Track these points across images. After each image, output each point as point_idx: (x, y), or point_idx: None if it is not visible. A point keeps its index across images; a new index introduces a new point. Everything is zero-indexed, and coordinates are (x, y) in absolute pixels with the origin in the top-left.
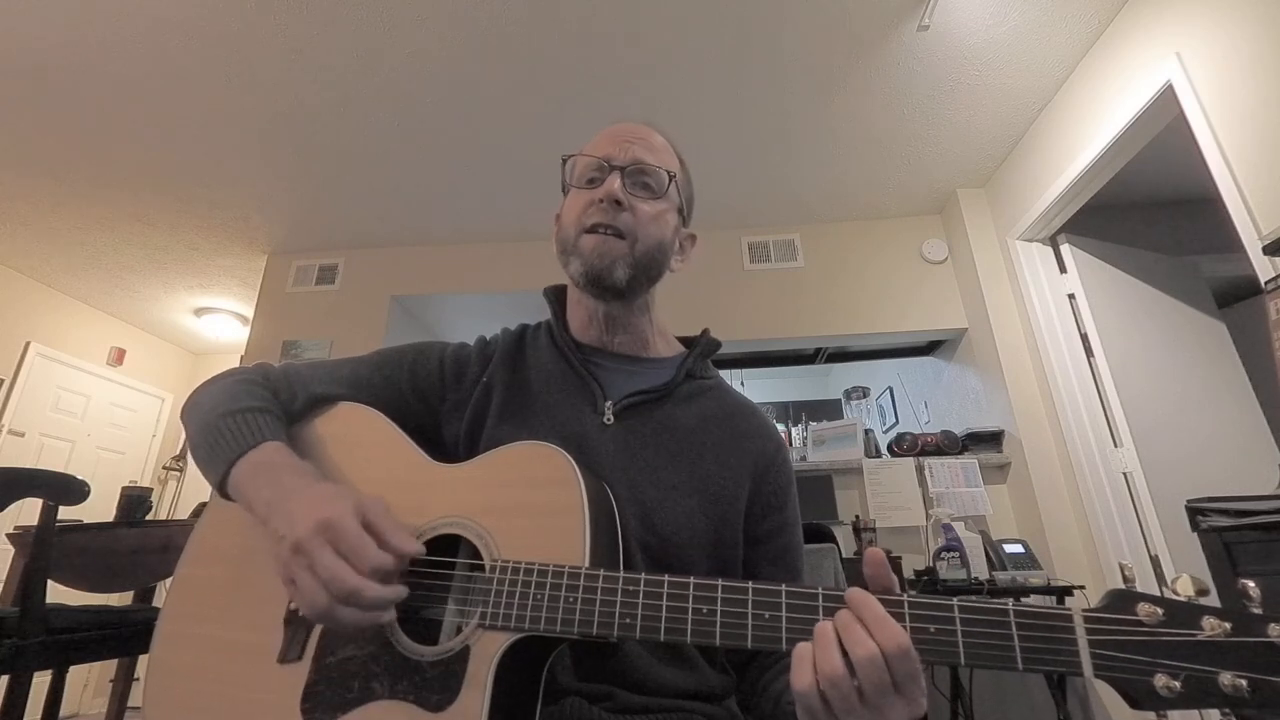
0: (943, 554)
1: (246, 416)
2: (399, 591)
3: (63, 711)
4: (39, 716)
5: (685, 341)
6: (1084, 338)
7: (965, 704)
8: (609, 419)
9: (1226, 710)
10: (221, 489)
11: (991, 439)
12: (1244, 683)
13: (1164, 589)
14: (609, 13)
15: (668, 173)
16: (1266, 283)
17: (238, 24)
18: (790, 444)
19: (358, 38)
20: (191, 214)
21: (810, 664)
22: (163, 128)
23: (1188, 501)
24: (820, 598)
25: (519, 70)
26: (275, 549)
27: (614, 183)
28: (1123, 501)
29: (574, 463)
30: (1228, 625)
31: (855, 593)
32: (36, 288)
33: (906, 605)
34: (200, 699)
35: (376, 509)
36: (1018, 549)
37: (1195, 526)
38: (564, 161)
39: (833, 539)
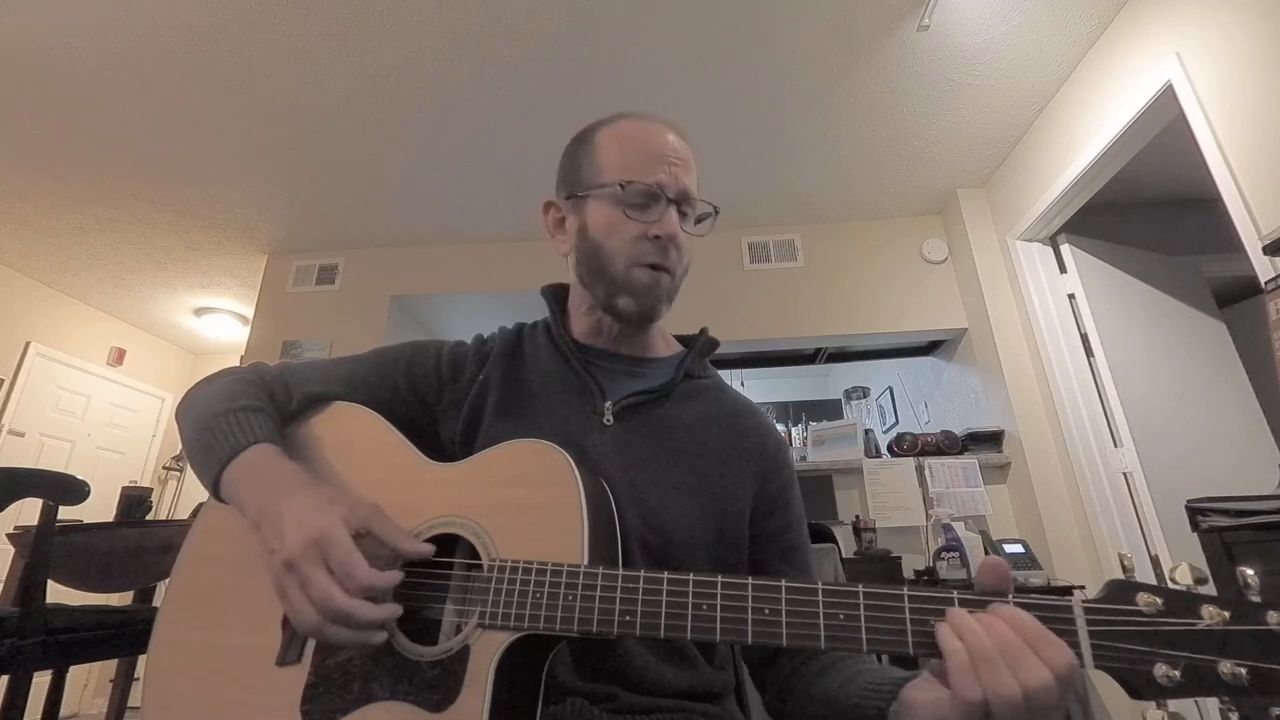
0: (943, 554)
1: (240, 416)
2: (392, 611)
3: (63, 711)
4: (39, 716)
5: (683, 340)
6: (1084, 338)
7: None
8: (609, 419)
9: (1226, 698)
10: (215, 492)
11: (991, 439)
12: (1243, 671)
13: (1163, 580)
14: (609, 12)
15: (715, 210)
16: (1266, 283)
17: (238, 24)
18: (790, 444)
19: (357, 38)
20: (191, 214)
21: (974, 676)
22: (163, 128)
23: (1188, 501)
24: (820, 593)
25: (519, 71)
26: (268, 559)
27: (673, 221)
28: (1123, 501)
29: (571, 460)
30: (1226, 614)
31: (1008, 613)
32: (36, 288)
33: (906, 599)
34: (200, 703)
35: (374, 516)
36: (1018, 549)
37: (1195, 526)
38: (622, 186)
39: (833, 539)
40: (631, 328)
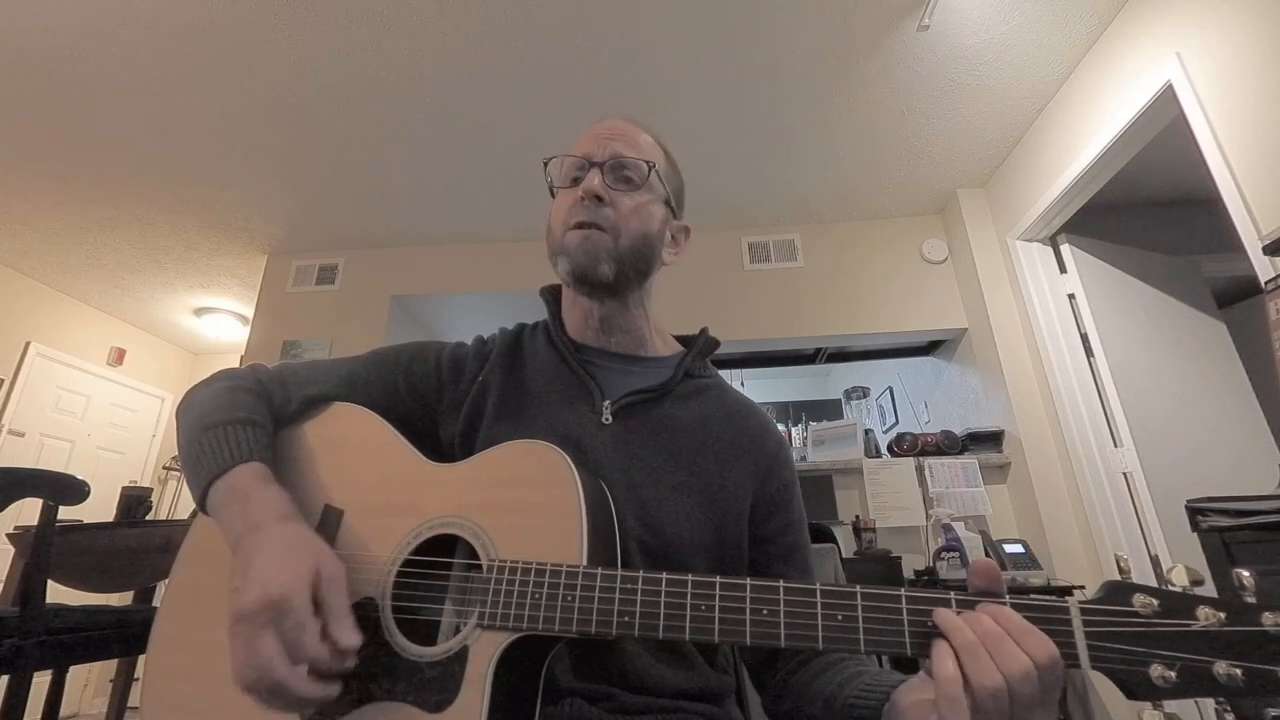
0: (943, 554)
1: (229, 430)
2: (326, 692)
3: (63, 711)
4: (39, 716)
5: (684, 341)
6: (1084, 338)
7: None
8: (607, 418)
9: (1221, 699)
10: (202, 508)
11: (991, 439)
12: (1238, 671)
13: (1162, 580)
14: (609, 12)
15: (647, 163)
16: (1266, 283)
17: (238, 24)
18: (790, 444)
19: (357, 38)
20: (191, 214)
21: (954, 664)
22: (163, 128)
23: (1188, 502)
24: (818, 594)
25: (518, 72)
26: (230, 595)
27: (593, 179)
28: (1123, 501)
29: (571, 461)
30: (1222, 615)
31: (993, 609)
32: (36, 288)
33: (904, 600)
34: (198, 700)
35: (332, 585)
36: (1018, 549)
37: (1195, 526)
38: (545, 165)
39: (833, 539)
40: (599, 303)
